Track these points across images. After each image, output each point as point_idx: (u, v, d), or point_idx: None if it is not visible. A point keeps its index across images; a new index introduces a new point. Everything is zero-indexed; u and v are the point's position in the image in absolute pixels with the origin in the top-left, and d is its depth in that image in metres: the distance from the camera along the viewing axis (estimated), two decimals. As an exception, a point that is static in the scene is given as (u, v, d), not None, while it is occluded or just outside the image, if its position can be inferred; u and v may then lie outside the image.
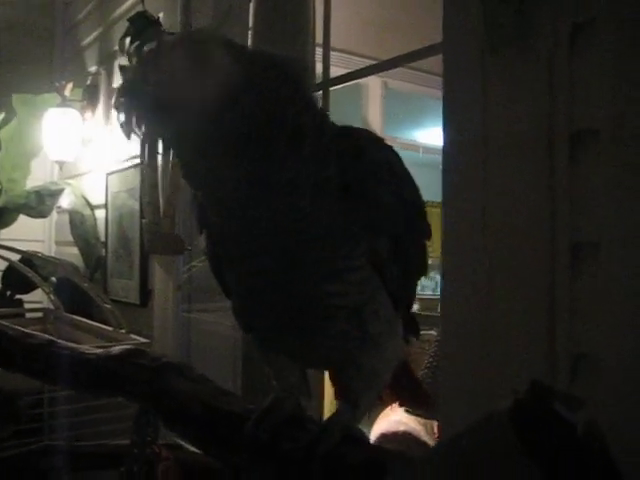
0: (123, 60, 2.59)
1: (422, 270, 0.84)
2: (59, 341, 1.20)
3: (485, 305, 1.48)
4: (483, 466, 0.52)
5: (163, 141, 0.73)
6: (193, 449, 1.42)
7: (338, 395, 0.95)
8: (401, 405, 0.99)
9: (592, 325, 1.30)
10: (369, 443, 0.80)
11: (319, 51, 1.98)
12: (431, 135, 5.31)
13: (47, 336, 1.22)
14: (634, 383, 1.17)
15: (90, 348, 1.17)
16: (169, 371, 0.95)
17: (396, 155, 0.77)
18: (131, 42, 2.46)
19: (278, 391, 0.85)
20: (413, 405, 0.99)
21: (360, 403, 0.81)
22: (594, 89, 1.29)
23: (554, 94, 1.34)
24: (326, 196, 0.70)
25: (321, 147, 0.70)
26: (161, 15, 2.61)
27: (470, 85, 1.51)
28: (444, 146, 1.57)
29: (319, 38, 2.13)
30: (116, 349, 1.07)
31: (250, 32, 2.67)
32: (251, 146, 0.66)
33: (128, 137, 2.65)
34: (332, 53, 1.97)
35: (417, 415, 1.75)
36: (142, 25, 2.45)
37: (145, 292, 2.80)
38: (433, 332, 2.09)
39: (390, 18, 2.61)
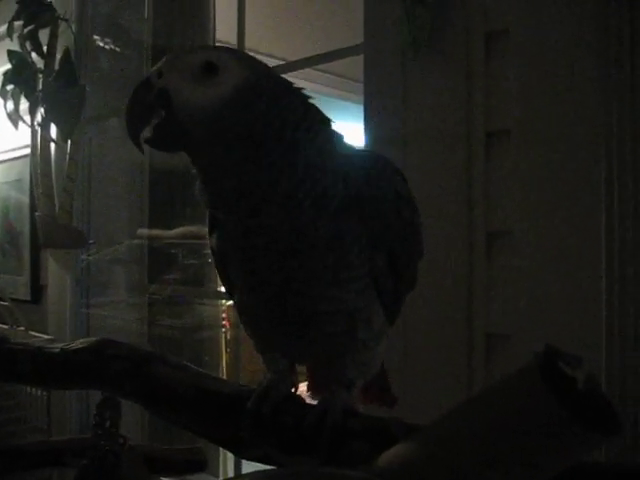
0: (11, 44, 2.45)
1: (412, 286, 0.93)
2: (7, 337, 1.16)
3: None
4: (514, 414, 0.63)
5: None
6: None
7: (314, 388, 1.04)
8: (367, 401, 1.08)
9: (504, 307, 1.46)
10: (366, 415, 0.88)
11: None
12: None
13: (-9, 333, 1.18)
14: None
15: (44, 342, 1.15)
16: (153, 360, 0.98)
17: (401, 176, 0.85)
18: (24, 26, 2.34)
19: (272, 374, 0.91)
20: (379, 403, 1.09)
21: (353, 386, 0.89)
22: (506, 93, 1.45)
23: (471, 95, 1.49)
24: (329, 209, 0.76)
25: (317, 160, 0.76)
26: (53, -1, 2.51)
27: (391, 85, 1.62)
28: (365, 142, 1.69)
29: (229, 37, 2.16)
30: (81, 341, 1.07)
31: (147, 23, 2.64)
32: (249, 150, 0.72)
33: (16, 126, 2.53)
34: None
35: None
36: (35, 9, 2.34)
37: (37, 288, 2.68)
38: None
39: (304, 20, 2.69)
